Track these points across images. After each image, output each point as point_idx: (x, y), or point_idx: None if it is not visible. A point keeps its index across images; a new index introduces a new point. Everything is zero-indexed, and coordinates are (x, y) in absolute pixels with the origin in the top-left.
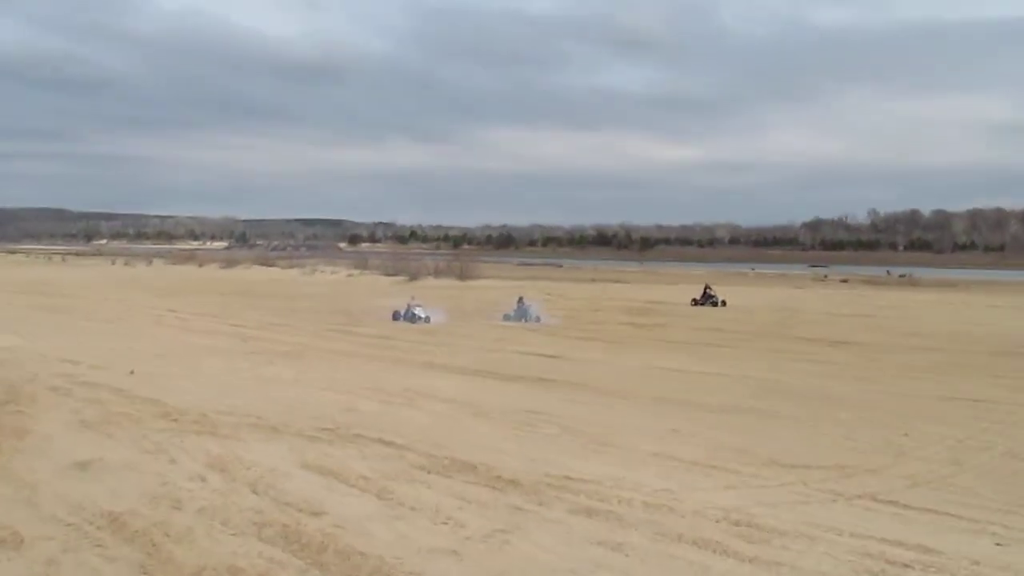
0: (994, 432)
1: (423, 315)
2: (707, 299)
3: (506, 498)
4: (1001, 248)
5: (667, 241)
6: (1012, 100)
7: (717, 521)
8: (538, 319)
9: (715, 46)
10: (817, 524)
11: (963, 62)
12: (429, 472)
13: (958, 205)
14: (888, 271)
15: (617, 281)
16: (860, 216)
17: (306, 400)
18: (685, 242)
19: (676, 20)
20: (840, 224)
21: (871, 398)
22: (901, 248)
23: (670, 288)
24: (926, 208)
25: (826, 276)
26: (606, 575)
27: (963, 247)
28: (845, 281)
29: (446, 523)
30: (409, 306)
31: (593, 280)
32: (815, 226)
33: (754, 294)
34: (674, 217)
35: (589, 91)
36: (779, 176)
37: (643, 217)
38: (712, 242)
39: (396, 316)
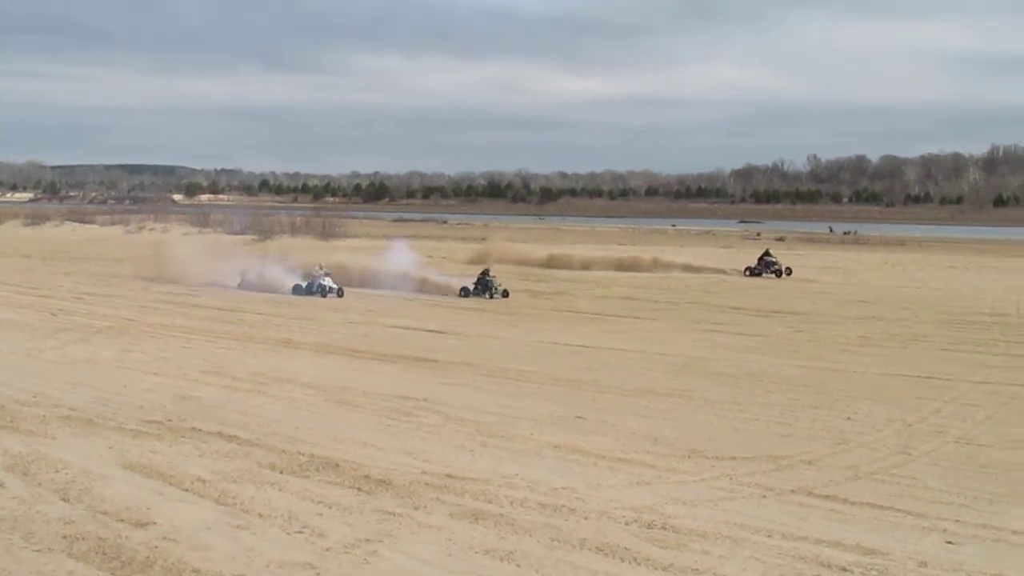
0: (947, 414)
1: (333, 286)
2: (767, 267)
3: (375, 501)
4: (959, 200)
5: (572, 192)
6: (975, 27)
7: (627, 523)
8: (331, 290)
9: None
10: (743, 524)
11: None
12: (281, 472)
13: (910, 150)
14: (831, 227)
15: (513, 240)
16: (799, 163)
17: (130, 386)
18: (593, 193)
19: None
20: (775, 172)
21: (809, 376)
22: (846, 200)
23: (577, 248)
24: (874, 154)
25: (759, 234)
26: None
27: (916, 199)
28: (781, 239)
29: (301, 532)
30: (314, 276)
31: (484, 239)
32: (746, 174)
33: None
34: (580, 164)
35: (475, 10)
36: (704, 115)
37: (544, 164)
38: (625, 193)
39: (298, 290)
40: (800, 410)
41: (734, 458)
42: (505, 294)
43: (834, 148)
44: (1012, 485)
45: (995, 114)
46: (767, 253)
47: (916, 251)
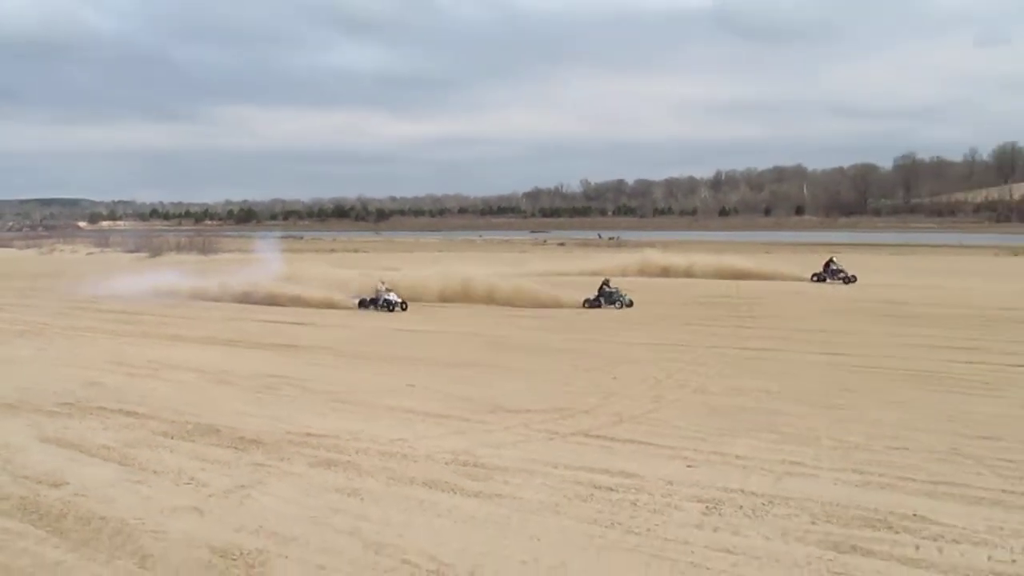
0: (688, 371)
1: (397, 299)
2: (833, 274)
3: (248, 456)
4: (694, 212)
5: (402, 212)
6: (699, 82)
7: (447, 463)
8: (396, 303)
9: (437, 29)
10: (536, 460)
11: (659, 47)
12: (172, 437)
13: (657, 174)
14: (599, 234)
15: (356, 251)
16: (574, 185)
17: (46, 377)
18: (418, 212)
19: (398, 3)
20: (557, 193)
21: (587, 348)
22: (610, 213)
23: (406, 255)
24: (630, 177)
25: (546, 241)
26: (342, 518)
27: (662, 211)
28: (562, 244)
29: (189, 483)
30: (378, 292)
31: (332, 251)
32: (535, 195)
33: (483, 260)
34: (407, 190)
35: (323, 70)
36: (502, 150)
37: (378, 190)
38: (443, 212)
39: (364, 304)
40: (578, 373)
41: (529, 411)
42: (630, 303)
43: (601, 173)
44: (734, 422)
45: (718, 146)
46: (831, 261)
47: (663, 251)
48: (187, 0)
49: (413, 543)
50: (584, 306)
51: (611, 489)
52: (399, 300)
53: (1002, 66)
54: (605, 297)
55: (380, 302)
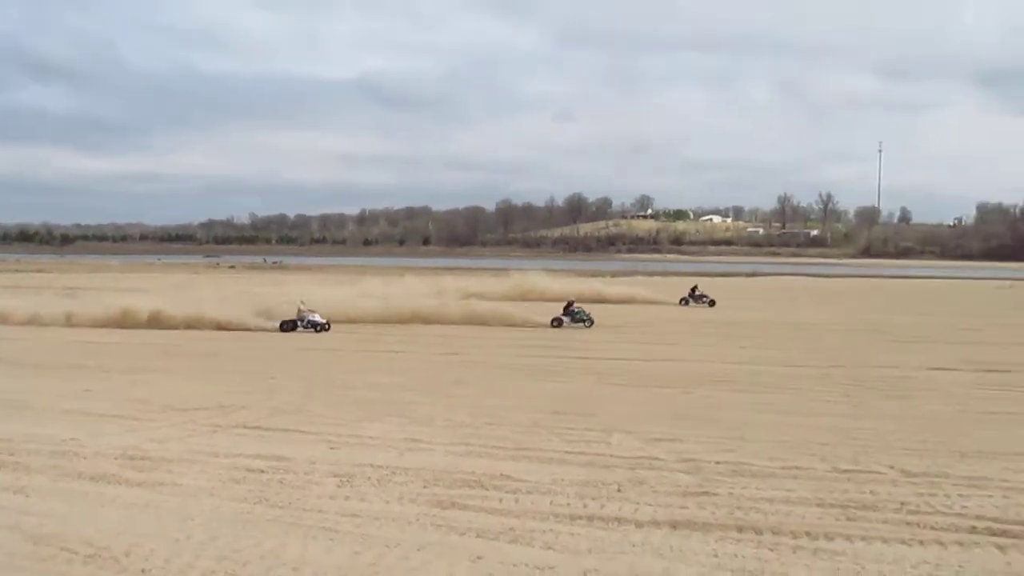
0: (338, 371)
1: (321, 320)
2: (698, 299)
3: None
4: (343, 241)
5: (85, 238)
6: (349, 137)
7: (115, 458)
8: (319, 324)
9: (121, 78)
10: (198, 451)
11: (314, 108)
12: None
13: (313, 211)
14: (264, 259)
15: (39, 271)
16: (243, 218)
17: None
18: (101, 238)
19: (81, 49)
20: (229, 224)
21: (252, 354)
22: (274, 241)
23: (90, 275)
24: (291, 212)
25: (218, 263)
26: (5, 515)
27: (317, 241)
28: (233, 267)
29: None
30: (301, 313)
31: (18, 271)
32: (209, 226)
33: (158, 279)
34: (92, 218)
35: (10, 108)
36: (180, 186)
37: (64, 218)
38: (125, 238)
39: (286, 326)
40: (244, 375)
41: (196, 408)
42: (592, 322)
43: (266, 208)
44: (370, 410)
45: (363, 189)
46: (695, 287)
47: (320, 273)
48: None
49: (73, 532)
50: (552, 325)
51: (262, 471)
52: (323, 320)
53: (571, 138)
54: (571, 316)
55: (304, 323)
